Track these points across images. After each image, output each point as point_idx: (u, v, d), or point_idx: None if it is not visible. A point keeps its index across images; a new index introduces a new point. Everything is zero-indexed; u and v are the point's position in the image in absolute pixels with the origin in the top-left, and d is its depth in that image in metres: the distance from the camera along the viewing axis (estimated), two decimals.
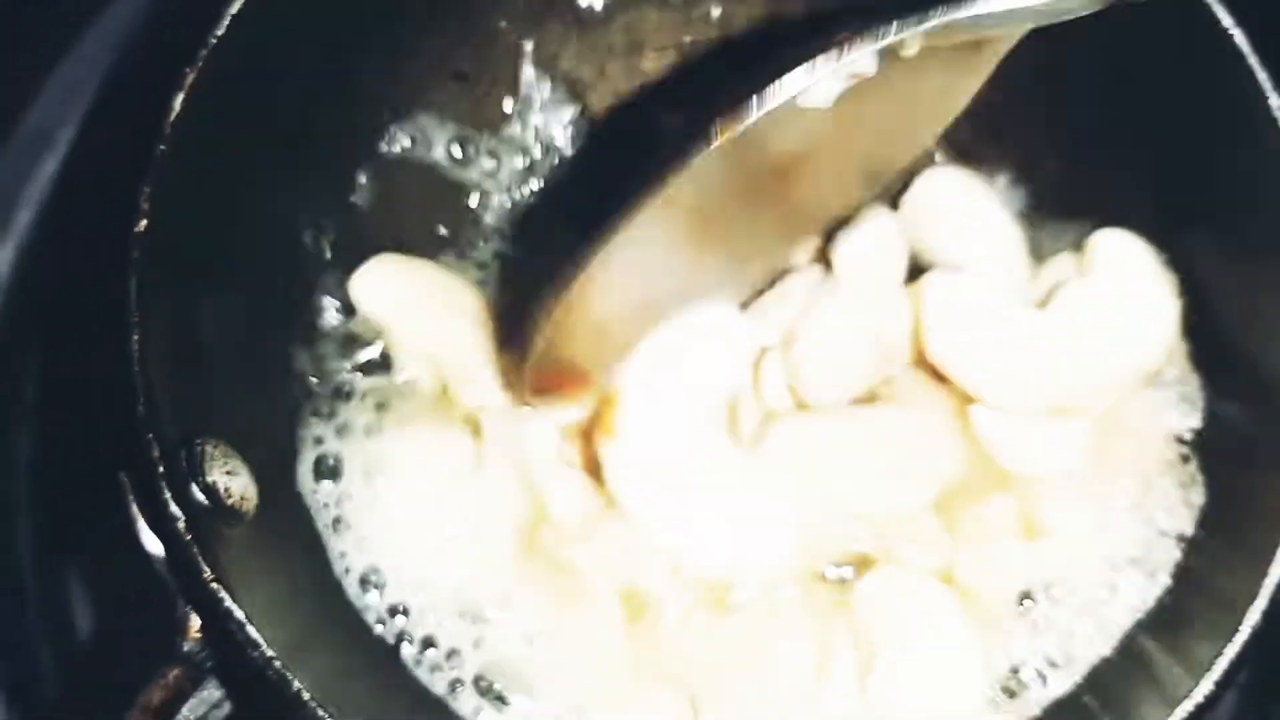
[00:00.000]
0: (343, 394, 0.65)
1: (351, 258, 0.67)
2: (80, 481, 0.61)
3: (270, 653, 0.50)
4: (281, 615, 0.54)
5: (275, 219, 0.64)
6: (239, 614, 0.50)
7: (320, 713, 0.50)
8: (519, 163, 0.72)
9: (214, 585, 0.50)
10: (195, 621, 0.53)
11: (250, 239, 0.61)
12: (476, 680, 0.61)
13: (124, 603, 0.62)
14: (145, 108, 0.57)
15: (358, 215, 0.68)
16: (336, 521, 0.63)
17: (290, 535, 0.61)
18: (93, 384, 0.61)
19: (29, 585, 0.67)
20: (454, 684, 0.61)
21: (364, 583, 0.62)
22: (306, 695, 0.50)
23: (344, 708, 0.51)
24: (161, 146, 0.54)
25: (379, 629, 0.62)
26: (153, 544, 0.53)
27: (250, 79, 0.58)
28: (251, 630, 0.50)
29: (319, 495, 0.63)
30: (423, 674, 0.61)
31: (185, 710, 0.55)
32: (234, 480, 0.55)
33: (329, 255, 0.67)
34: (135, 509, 0.52)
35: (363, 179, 0.68)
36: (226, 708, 0.57)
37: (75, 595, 0.65)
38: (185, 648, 0.53)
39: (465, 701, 0.61)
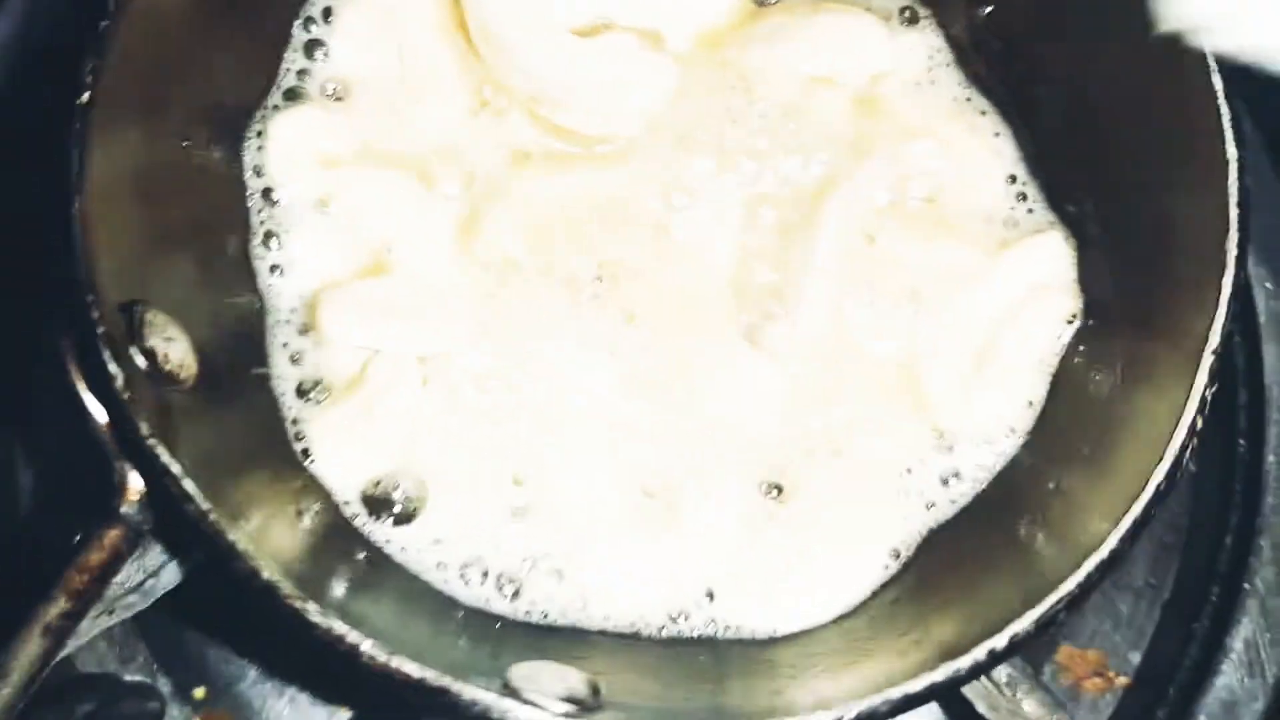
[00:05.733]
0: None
1: None
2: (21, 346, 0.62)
3: (205, 505, 0.51)
4: (226, 481, 0.55)
5: (219, 85, 0.64)
6: (175, 468, 0.51)
7: (254, 565, 0.50)
8: None
9: (151, 441, 0.51)
10: (135, 484, 0.54)
11: (194, 105, 0.62)
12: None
13: (65, 468, 0.63)
14: None
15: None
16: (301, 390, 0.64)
17: (240, 406, 0.61)
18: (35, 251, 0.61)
19: None
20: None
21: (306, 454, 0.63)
22: (241, 547, 0.50)
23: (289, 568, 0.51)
24: (104, 22, 0.55)
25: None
26: (94, 407, 0.53)
27: None
28: (188, 484, 0.51)
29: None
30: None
31: (123, 573, 0.56)
32: (173, 346, 0.55)
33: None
34: (75, 372, 0.53)
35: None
36: (168, 576, 0.59)
37: (17, 458, 0.64)
38: (123, 509, 0.54)
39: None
